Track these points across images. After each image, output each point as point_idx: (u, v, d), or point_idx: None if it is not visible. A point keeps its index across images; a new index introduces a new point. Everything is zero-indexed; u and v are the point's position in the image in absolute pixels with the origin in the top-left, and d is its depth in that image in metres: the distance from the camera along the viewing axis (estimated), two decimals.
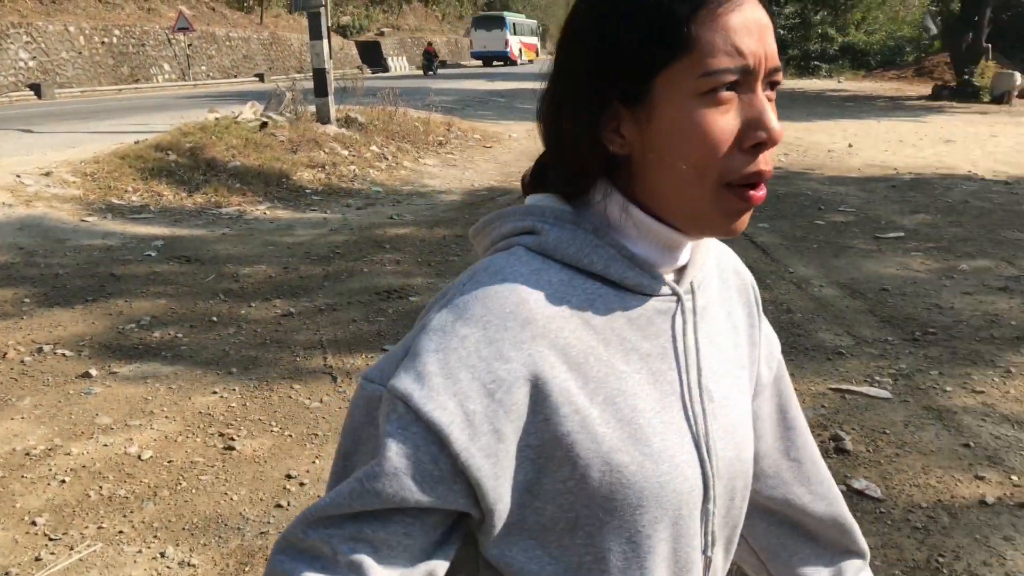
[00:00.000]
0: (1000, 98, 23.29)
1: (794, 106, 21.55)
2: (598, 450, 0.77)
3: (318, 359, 4.80)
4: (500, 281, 0.79)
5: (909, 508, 3.26)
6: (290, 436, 3.89)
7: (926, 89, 26.95)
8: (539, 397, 0.76)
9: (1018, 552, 2.96)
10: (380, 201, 9.63)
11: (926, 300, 5.88)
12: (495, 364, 0.75)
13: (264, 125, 11.71)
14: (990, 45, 25.19)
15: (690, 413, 0.84)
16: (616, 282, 0.82)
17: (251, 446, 3.79)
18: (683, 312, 0.86)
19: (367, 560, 0.74)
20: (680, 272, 0.87)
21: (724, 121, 0.75)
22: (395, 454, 0.73)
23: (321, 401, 4.25)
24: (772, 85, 0.79)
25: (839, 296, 5.97)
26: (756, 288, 1.02)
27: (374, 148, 12.11)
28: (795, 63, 35.45)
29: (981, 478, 3.46)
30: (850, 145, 14.54)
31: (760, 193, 0.78)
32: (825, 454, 3.67)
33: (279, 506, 3.31)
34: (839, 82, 33.26)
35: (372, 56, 44.42)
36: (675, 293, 0.85)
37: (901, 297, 5.95)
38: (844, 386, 4.41)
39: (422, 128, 13.95)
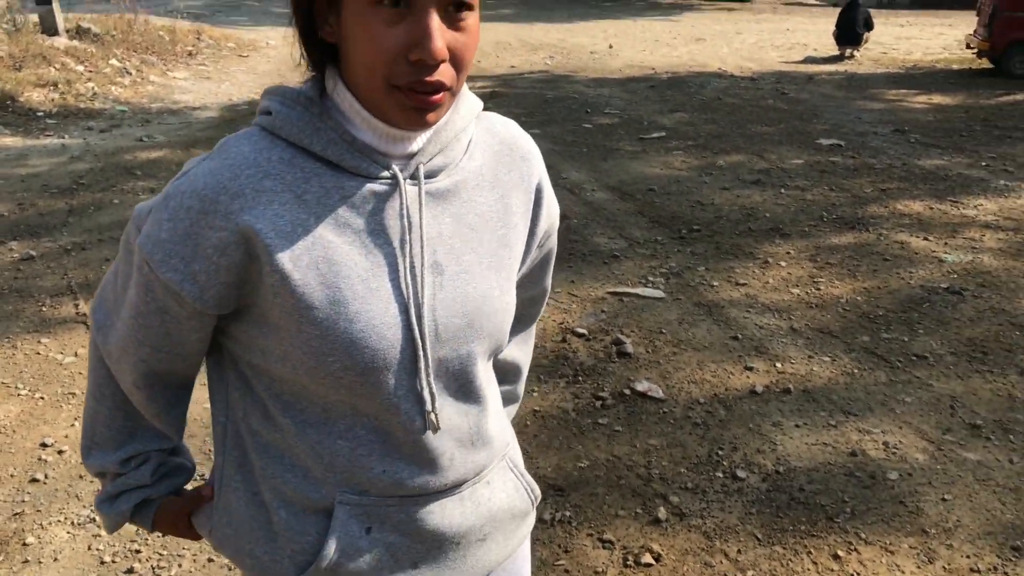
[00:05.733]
0: None
1: (556, 8, 21.79)
2: (296, 305, 0.92)
3: (68, 307, 4.31)
4: (223, 159, 0.93)
5: (689, 405, 3.42)
6: (42, 398, 3.47)
7: None
8: (249, 258, 0.92)
9: (786, 437, 3.19)
10: (126, 121, 8.75)
11: (689, 198, 6.17)
12: (210, 232, 0.91)
13: None
14: None
15: (404, 283, 0.94)
16: (335, 163, 0.93)
17: None
18: (404, 194, 0.95)
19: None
20: (411, 158, 0.96)
21: (391, 33, 0.84)
22: (144, 300, 0.98)
23: (76, 355, 3.83)
24: (457, 7, 0.86)
25: (610, 199, 6.13)
26: (537, 168, 1.11)
27: (114, 62, 10.96)
28: None
29: (750, 368, 3.69)
30: (611, 46, 14.91)
31: (430, 98, 0.87)
32: (608, 359, 3.78)
33: (35, 480, 2.95)
34: None
35: None
36: (394, 177, 0.95)
37: (667, 196, 6.20)
38: (621, 289, 4.54)
39: (168, 38, 12.78)
